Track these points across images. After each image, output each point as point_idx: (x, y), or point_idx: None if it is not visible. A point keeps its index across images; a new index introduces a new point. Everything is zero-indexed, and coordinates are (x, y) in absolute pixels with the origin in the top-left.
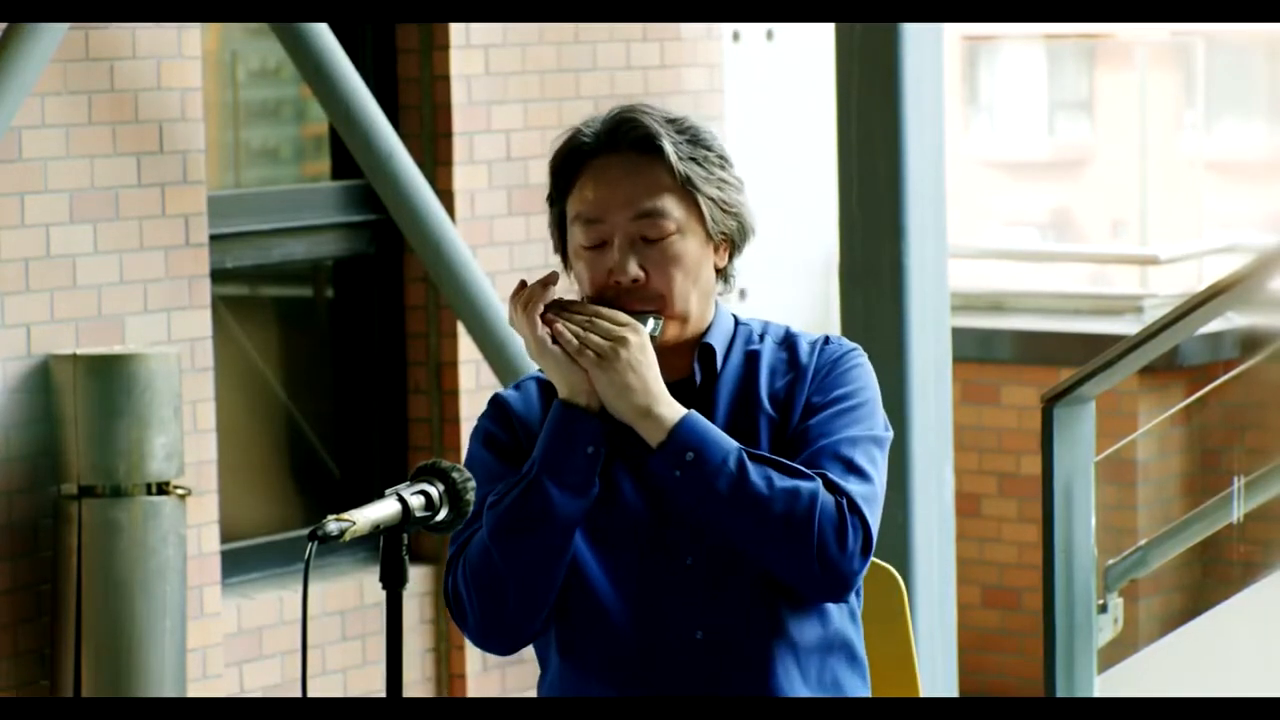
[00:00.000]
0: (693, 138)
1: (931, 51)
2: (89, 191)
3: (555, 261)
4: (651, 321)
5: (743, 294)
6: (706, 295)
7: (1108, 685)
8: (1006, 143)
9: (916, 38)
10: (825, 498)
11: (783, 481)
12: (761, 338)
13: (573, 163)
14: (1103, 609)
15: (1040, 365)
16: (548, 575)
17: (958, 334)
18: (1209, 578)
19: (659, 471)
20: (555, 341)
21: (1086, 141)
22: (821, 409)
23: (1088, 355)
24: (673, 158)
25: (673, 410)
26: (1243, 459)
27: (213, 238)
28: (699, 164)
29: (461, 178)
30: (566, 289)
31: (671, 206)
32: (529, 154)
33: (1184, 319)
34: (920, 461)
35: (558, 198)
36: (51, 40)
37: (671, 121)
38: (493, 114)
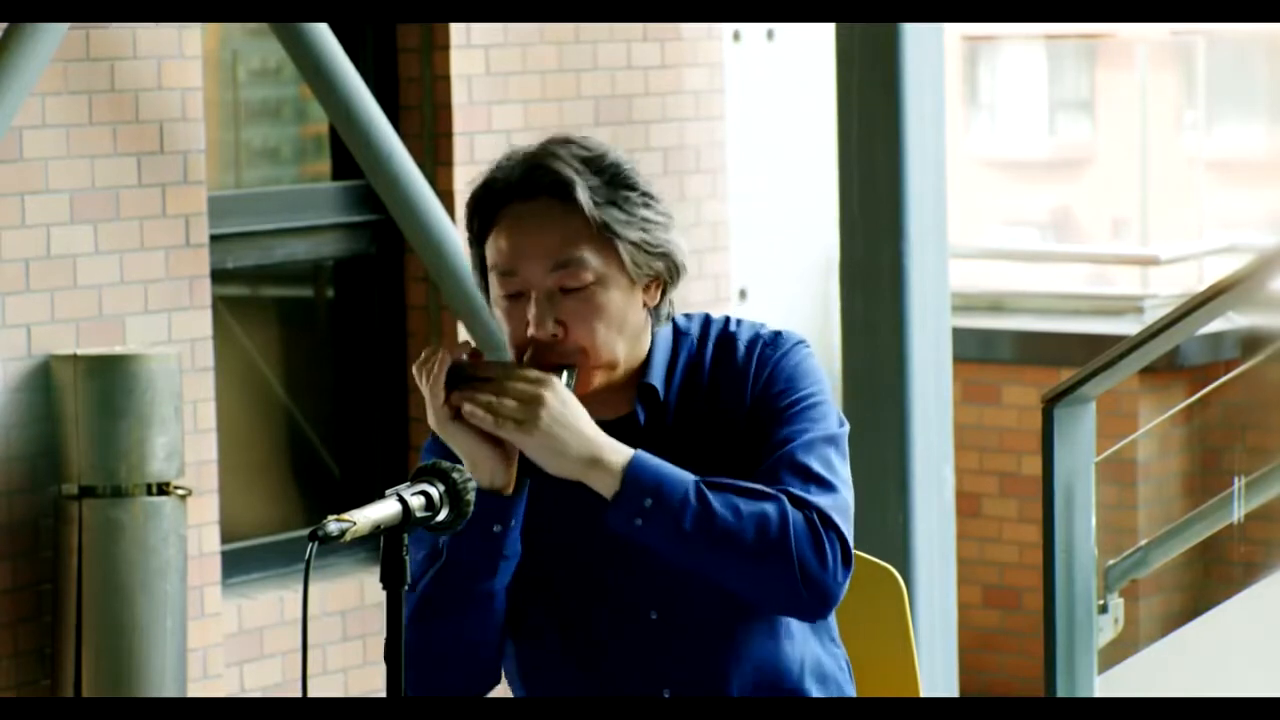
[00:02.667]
0: (612, 178)
1: (931, 51)
2: (89, 191)
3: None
4: (565, 374)
5: (743, 294)
6: (636, 336)
7: (1108, 685)
8: (1006, 143)
9: (916, 38)
10: (795, 515)
11: (749, 507)
12: (701, 343)
13: (488, 207)
14: (1103, 609)
15: (1040, 365)
16: (475, 648)
17: (958, 334)
18: (1210, 578)
19: (617, 525)
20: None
21: (1087, 141)
22: (769, 419)
23: (1088, 355)
24: (587, 206)
25: (618, 455)
26: (1243, 459)
27: (213, 238)
28: (618, 207)
29: (462, 178)
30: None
31: (589, 256)
32: None
33: (1184, 319)
34: (920, 461)
35: (476, 241)
36: (52, 40)
37: (590, 161)
38: (493, 114)
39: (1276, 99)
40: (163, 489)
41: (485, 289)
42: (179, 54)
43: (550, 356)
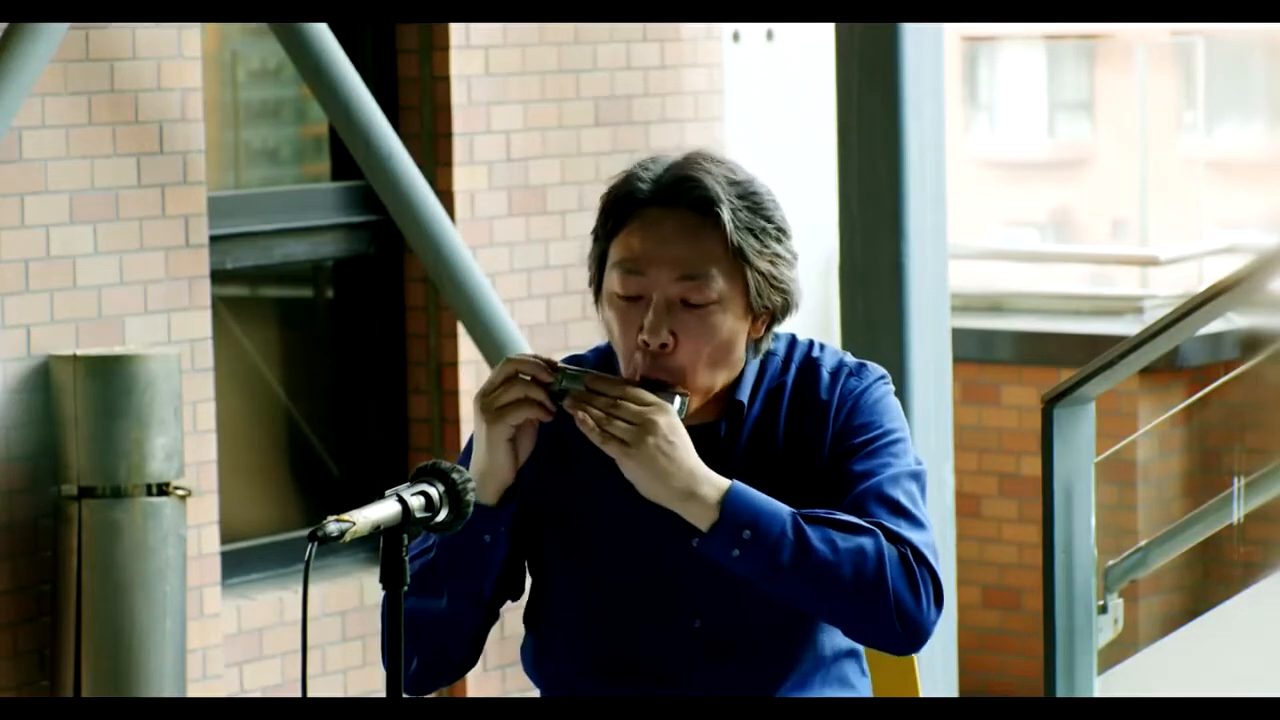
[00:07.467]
0: (753, 205)
1: (931, 51)
2: (89, 192)
3: (558, 264)
4: (678, 400)
5: None
6: (733, 368)
7: (1108, 685)
8: (1006, 143)
9: (916, 38)
10: (890, 552)
11: (845, 541)
12: (785, 366)
13: (625, 206)
14: (1103, 609)
15: (1040, 365)
16: (440, 643)
17: (958, 334)
18: (1209, 578)
19: (714, 555)
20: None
21: (1086, 141)
22: (855, 450)
23: (1088, 356)
24: (729, 226)
25: (715, 488)
26: (1243, 459)
27: (213, 238)
28: (755, 235)
29: (461, 178)
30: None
31: (717, 276)
32: (529, 155)
33: (1184, 319)
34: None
35: (604, 236)
36: (51, 40)
37: (735, 184)
38: (493, 114)
39: (1276, 99)
40: (162, 489)
41: (597, 284)
42: (179, 54)
43: (655, 371)
